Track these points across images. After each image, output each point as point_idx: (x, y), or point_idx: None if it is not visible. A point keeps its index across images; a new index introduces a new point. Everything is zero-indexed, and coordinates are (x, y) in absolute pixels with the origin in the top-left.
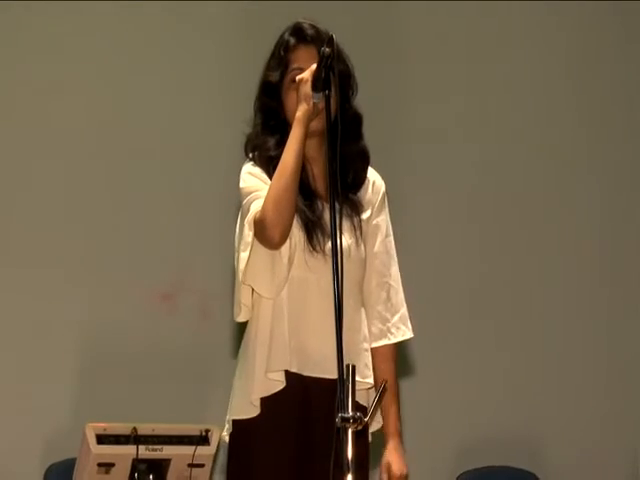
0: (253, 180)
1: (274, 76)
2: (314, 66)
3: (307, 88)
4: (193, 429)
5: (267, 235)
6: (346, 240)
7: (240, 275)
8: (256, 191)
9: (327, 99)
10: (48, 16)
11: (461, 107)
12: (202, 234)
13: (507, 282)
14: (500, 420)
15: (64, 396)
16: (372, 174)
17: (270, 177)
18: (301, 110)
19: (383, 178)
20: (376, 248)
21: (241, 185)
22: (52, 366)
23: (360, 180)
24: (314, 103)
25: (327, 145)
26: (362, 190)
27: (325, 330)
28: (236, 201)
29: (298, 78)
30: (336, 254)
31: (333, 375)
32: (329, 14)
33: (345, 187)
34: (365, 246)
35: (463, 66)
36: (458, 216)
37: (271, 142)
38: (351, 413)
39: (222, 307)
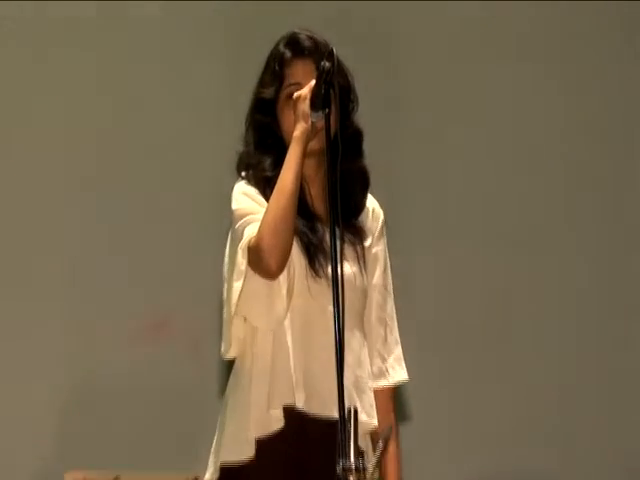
0: (247, 201)
1: (268, 92)
2: (312, 82)
3: (305, 106)
4: (179, 478)
5: (263, 263)
6: (350, 268)
7: (232, 308)
8: (251, 214)
9: (327, 118)
10: (39, 16)
11: (466, 117)
12: (191, 261)
13: (508, 317)
14: (503, 464)
15: (43, 439)
16: (371, 201)
17: (266, 199)
18: (299, 129)
19: (382, 200)
20: (375, 280)
21: (234, 206)
22: (30, 407)
23: (361, 205)
24: (312, 122)
25: (326, 166)
26: (363, 216)
27: (332, 363)
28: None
29: (295, 95)
30: (337, 283)
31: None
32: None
33: (346, 212)
34: (367, 274)
35: (467, 71)
36: (460, 249)
37: (267, 162)
38: (353, 461)
39: (213, 342)
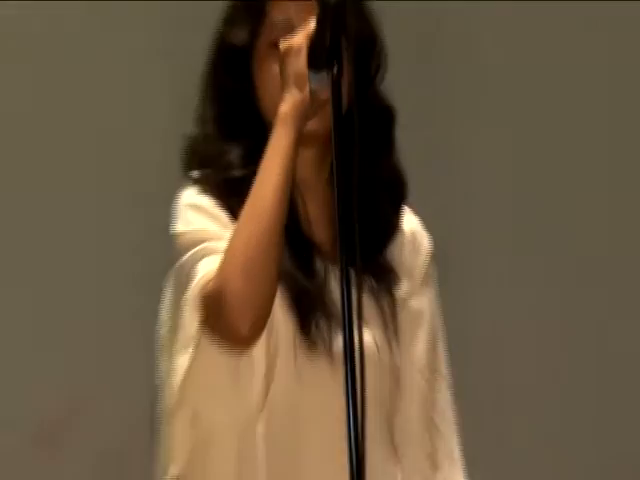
0: (200, 220)
1: (239, 36)
2: (312, 24)
3: (300, 63)
4: None
5: (228, 325)
6: (371, 335)
7: (174, 397)
8: (207, 240)
9: (336, 82)
10: None
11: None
12: (109, 333)
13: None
14: None
15: None
16: (410, 221)
17: (233, 215)
18: (289, 102)
19: (431, 217)
20: (417, 354)
21: (177, 228)
22: None
23: (391, 228)
24: (311, 90)
25: (334, 163)
26: (393, 246)
27: None
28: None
29: (283, 46)
30: (350, 360)
31: None
32: None
33: (367, 240)
34: (399, 345)
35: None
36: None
37: (234, 153)
38: None
39: (140, 454)
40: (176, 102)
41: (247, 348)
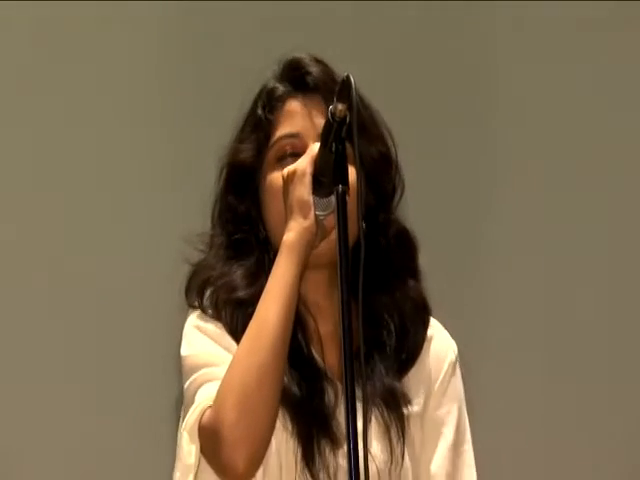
0: (204, 343)
1: (246, 153)
2: (315, 146)
3: (304, 190)
4: None
5: (223, 460)
6: (377, 458)
7: None
8: (206, 366)
9: (341, 208)
10: None
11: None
12: None
13: None
14: None
15: None
16: (432, 329)
17: (236, 337)
18: (294, 230)
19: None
20: (434, 467)
21: (183, 351)
22: None
23: (412, 356)
24: (317, 217)
25: (340, 293)
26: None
27: None
28: None
29: (287, 172)
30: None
31: None
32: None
33: (381, 366)
34: (411, 458)
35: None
36: None
37: (236, 274)
38: None
39: None
40: None
41: None
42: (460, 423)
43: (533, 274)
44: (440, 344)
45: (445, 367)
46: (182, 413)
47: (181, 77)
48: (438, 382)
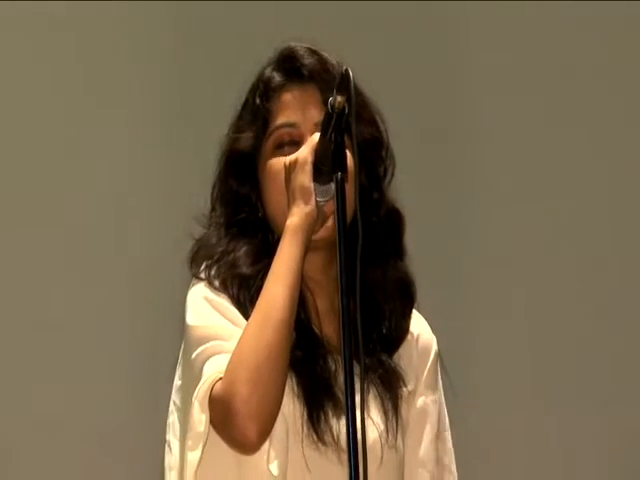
0: (211, 314)
1: (245, 141)
2: (315, 136)
3: (305, 177)
4: None
5: (235, 431)
6: (374, 432)
7: None
8: (216, 339)
9: (340, 193)
10: None
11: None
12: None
13: None
14: None
15: None
16: (417, 322)
17: (242, 311)
18: (298, 214)
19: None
20: (422, 452)
21: (189, 321)
22: None
23: (400, 333)
24: (318, 202)
25: (339, 277)
26: (402, 348)
27: None
28: None
29: (288, 160)
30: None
31: None
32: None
33: (373, 343)
34: (403, 440)
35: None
36: None
37: (241, 251)
38: None
39: None
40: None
41: (254, 450)
42: (441, 410)
43: (516, 282)
44: (425, 335)
45: (432, 356)
46: (181, 376)
47: (184, 66)
48: (426, 370)
